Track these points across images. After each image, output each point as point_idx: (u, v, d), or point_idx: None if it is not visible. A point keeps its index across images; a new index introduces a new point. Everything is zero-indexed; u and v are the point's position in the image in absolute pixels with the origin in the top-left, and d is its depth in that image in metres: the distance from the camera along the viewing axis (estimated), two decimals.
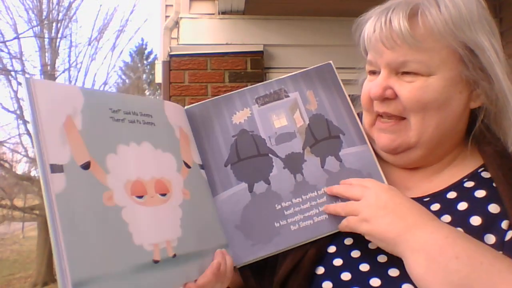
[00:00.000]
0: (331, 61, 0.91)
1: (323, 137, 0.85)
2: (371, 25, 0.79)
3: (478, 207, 0.73)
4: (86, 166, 0.65)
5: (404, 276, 0.68)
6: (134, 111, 0.75)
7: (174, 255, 0.69)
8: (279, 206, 0.82)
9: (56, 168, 0.61)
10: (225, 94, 0.90)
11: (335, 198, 0.81)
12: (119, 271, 0.61)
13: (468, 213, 0.73)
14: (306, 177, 0.83)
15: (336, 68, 0.91)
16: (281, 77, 0.90)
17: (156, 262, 0.66)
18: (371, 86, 0.80)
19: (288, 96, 0.88)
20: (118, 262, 0.62)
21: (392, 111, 0.79)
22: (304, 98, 0.88)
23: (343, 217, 0.79)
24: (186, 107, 0.89)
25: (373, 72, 0.83)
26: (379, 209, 0.71)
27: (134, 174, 0.70)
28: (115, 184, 0.66)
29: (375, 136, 0.84)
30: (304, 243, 0.80)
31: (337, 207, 0.78)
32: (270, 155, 0.85)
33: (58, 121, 0.64)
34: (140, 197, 0.69)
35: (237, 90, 0.90)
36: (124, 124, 0.72)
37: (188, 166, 0.80)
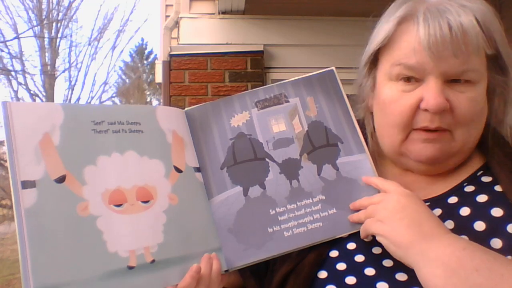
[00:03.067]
0: (333, 67, 0.90)
1: (321, 144, 0.85)
2: (423, 27, 0.73)
3: (481, 212, 0.72)
4: (61, 179, 0.69)
5: (413, 281, 0.66)
6: (120, 121, 0.77)
7: (153, 261, 0.71)
8: (273, 212, 0.81)
9: (27, 184, 0.66)
10: (225, 97, 0.90)
11: (331, 206, 0.81)
12: (89, 278, 0.66)
13: (472, 218, 0.72)
14: (301, 183, 0.82)
15: (336, 68, 0.90)
16: (282, 82, 0.90)
17: (131, 268, 0.69)
18: (426, 97, 0.73)
19: (288, 101, 0.88)
20: (88, 269, 0.66)
21: (445, 125, 0.74)
22: (304, 104, 0.88)
23: (339, 225, 0.78)
24: (186, 109, 0.89)
25: (407, 79, 0.76)
26: (396, 212, 0.69)
27: (114, 183, 0.73)
28: (92, 195, 0.70)
29: (411, 149, 0.78)
30: (298, 250, 0.79)
31: (360, 214, 0.77)
32: (267, 159, 0.84)
33: (34, 140, 0.69)
34: (119, 205, 0.72)
35: (237, 94, 0.90)
36: (107, 135, 0.75)
37: (179, 171, 0.80)
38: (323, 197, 0.81)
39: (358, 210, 0.78)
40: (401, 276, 0.71)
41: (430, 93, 0.73)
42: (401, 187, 0.75)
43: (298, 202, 0.81)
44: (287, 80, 0.90)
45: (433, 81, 0.73)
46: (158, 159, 0.78)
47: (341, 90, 0.88)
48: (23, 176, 0.67)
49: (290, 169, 0.84)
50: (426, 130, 0.75)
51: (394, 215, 0.69)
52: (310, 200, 0.81)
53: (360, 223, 0.76)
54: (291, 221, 0.80)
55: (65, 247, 0.66)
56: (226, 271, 0.78)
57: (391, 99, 0.77)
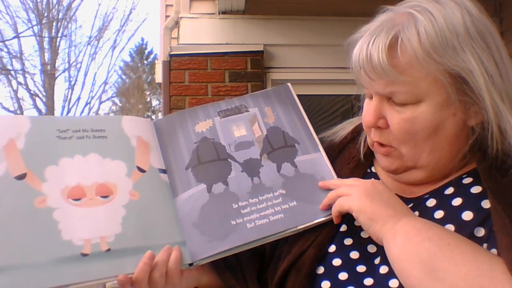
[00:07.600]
0: (289, 83, 1.01)
1: (279, 146, 0.92)
2: (356, 54, 0.76)
3: (472, 202, 0.73)
4: (21, 177, 0.78)
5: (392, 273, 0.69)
6: (84, 129, 0.87)
7: (108, 250, 0.76)
8: (236, 205, 0.84)
9: None
10: (190, 108, 0.98)
11: (291, 199, 0.85)
12: (40, 261, 0.71)
13: (461, 208, 0.73)
14: (262, 180, 0.88)
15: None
16: (242, 96, 1.00)
17: (84, 255, 0.74)
18: (365, 112, 0.79)
19: (248, 111, 0.97)
20: (40, 254, 0.72)
21: (384, 141, 0.78)
22: (263, 113, 0.96)
23: (299, 216, 0.81)
24: (154, 120, 0.97)
25: (370, 95, 0.80)
26: (373, 193, 0.74)
27: (75, 180, 0.81)
28: (51, 190, 0.79)
29: (376, 156, 0.84)
30: (261, 241, 0.81)
31: (331, 194, 0.80)
32: (229, 159, 0.90)
33: None
34: (78, 199, 0.79)
35: (201, 105, 0.99)
36: (71, 141, 0.85)
37: (143, 171, 0.87)
38: (284, 191, 0.86)
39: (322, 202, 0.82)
40: (383, 269, 0.73)
41: (365, 109, 0.79)
42: (363, 180, 0.79)
43: (260, 196, 0.86)
44: (246, 95, 0.99)
45: (373, 99, 0.77)
46: (120, 160, 0.86)
47: (296, 101, 0.98)
48: None
49: (251, 167, 0.89)
50: (379, 144, 0.80)
51: (371, 195, 0.74)
52: (271, 194, 0.86)
53: (322, 215, 0.81)
54: (253, 214, 0.84)
55: (18, 233, 0.73)
56: (191, 264, 0.80)
57: (363, 115, 0.82)
